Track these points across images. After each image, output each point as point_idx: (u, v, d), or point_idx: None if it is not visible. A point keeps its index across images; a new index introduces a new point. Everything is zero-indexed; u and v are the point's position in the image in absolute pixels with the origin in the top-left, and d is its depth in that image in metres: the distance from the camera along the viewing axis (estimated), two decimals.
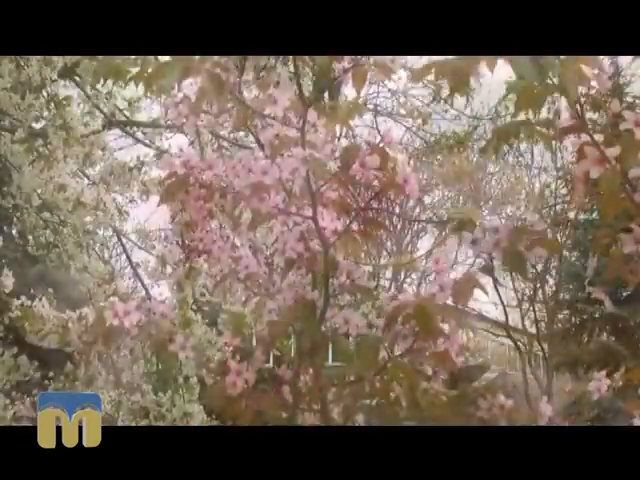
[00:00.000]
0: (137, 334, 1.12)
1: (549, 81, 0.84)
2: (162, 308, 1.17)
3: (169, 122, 3.11)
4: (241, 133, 2.65)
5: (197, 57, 1.03)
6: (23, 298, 2.07)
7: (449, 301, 1.05)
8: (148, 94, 1.13)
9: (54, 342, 2.07)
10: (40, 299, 2.10)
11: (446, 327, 1.11)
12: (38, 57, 2.44)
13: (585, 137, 0.90)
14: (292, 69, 1.12)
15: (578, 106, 0.91)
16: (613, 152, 0.86)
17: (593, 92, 0.92)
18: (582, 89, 0.88)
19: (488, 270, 1.04)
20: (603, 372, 1.33)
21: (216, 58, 1.06)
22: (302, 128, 1.09)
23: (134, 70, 1.10)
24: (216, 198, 1.17)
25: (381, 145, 1.09)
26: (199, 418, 2.98)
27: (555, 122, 0.97)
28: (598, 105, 0.96)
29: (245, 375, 1.16)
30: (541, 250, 1.00)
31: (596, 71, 0.86)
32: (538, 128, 0.98)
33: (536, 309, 15.63)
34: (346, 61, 1.02)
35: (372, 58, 1.04)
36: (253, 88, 1.14)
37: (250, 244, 1.31)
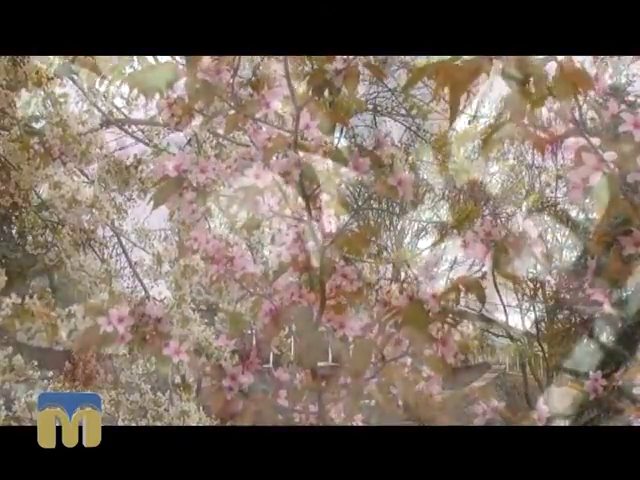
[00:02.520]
0: (131, 339, 1.11)
1: (543, 87, 0.83)
2: (157, 311, 1.16)
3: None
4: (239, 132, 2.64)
5: (190, 57, 1.02)
6: (14, 296, 2.04)
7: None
8: (142, 94, 1.11)
9: (43, 340, 2.04)
10: (31, 297, 2.07)
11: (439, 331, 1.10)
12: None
13: (582, 141, 0.88)
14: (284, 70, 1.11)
15: (577, 108, 0.90)
16: (611, 156, 0.84)
17: (592, 93, 0.91)
18: (581, 91, 0.87)
19: (485, 276, 1.03)
20: (599, 372, 1.33)
21: (209, 59, 1.04)
22: (295, 130, 1.08)
23: (128, 70, 1.09)
24: (210, 200, 1.16)
25: (378, 145, 1.08)
26: (196, 417, 2.97)
27: (552, 124, 0.96)
28: (595, 109, 0.94)
29: (242, 377, 1.15)
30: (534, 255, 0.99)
31: (594, 72, 0.85)
32: (532, 130, 0.96)
33: (536, 309, 15.63)
34: (339, 62, 1.00)
35: (365, 58, 1.02)
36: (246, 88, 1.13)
37: (246, 244, 1.30)
